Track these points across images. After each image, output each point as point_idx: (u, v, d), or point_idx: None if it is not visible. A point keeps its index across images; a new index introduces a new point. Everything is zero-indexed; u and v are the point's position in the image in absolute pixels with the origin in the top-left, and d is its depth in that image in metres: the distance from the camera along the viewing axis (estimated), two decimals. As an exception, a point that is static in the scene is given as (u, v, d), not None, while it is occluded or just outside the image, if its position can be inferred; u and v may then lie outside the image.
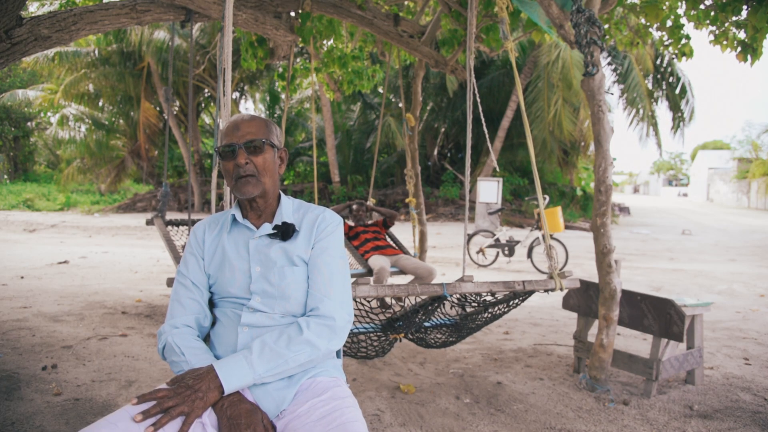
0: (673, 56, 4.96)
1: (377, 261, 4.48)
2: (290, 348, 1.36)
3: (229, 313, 1.48)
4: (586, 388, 3.05)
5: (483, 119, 3.45)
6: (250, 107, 24.97)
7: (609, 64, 16.40)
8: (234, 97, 20.56)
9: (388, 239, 5.13)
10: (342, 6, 4.39)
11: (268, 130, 1.53)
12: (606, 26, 5.00)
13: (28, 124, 25.20)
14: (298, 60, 8.73)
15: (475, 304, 2.95)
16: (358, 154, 19.93)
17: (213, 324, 1.55)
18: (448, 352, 3.75)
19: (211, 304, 1.57)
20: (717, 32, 4.40)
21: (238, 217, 1.55)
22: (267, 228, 1.53)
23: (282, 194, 1.61)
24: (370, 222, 5.14)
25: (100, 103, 19.24)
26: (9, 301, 4.88)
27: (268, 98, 21.79)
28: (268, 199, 1.55)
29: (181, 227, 4.29)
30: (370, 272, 4.54)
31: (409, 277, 5.02)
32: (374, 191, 18.13)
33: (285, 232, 1.50)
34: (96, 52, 16.98)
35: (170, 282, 4.23)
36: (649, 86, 16.91)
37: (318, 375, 1.44)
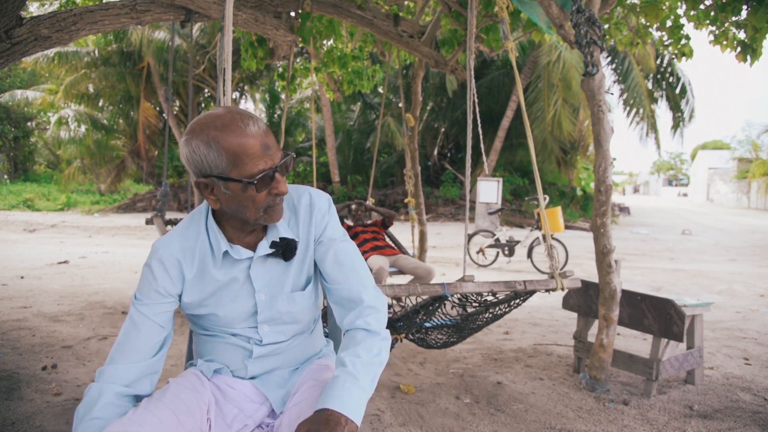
0: (673, 56, 4.96)
1: (375, 261, 4.48)
2: (376, 354, 1.26)
3: (232, 339, 1.36)
4: (586, 388, 3.05)
5: (479, 121, 3.45)
6: (250, 107, 24.96)
7: (609, 63, 16.40)
8: (234, 97, 20.56)
9: (387, 239, 5.14)
10: (342, 6, 4.39)
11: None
12: (606, 26, 5.00)
13: (28, 124, 25.20)
14: (298, 60, 8.73)
15: (476, 304, 2.96)
16: (358, 154, 19.92)
17: (194, 333, 1.45)
18: (448, 352, 3.75)
19: (200, 327, 1.41)
20: (717, 32, 4.40)
21: (230, 251, 1.29)
22: (264, 247, 1.31)
23: None
24: (368, 222, 5.14)
25: (100, 104, 19.23)
26: (9, 301, 4.88)
27: (268, 98, 21.80)
28: None
29: (180, 227, 4.30)
30: None
31: (408, 278, 5.02)
32: (374, 191, 18.12)
33: (286, 251, 1.31)
34: (96, 52, 16.98)
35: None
36: (649, 86, 16.90)
37: (320, 357, 1.48)
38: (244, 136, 1.17)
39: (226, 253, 1.30)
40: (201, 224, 1.33)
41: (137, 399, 1.25)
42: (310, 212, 1.37)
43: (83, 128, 18.70)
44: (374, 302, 1.32)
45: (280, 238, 1.32)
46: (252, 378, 1.40)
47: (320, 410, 1.12)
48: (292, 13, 4.47)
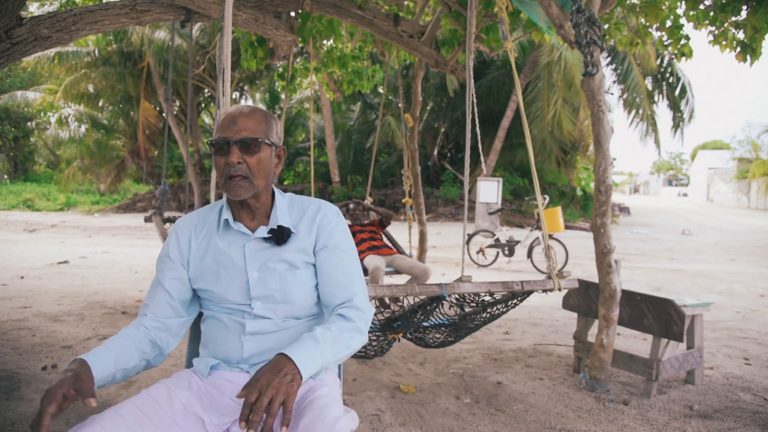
0: (673, 56, 4.97)
1: (372, 261, 4.48)
2: (345, 334, 1.36)
3: (227, 320, 1.43)
4: (586, 388, 3.05)
5: (478, 122, 3.45)
6: (250, 107, 24.92)
7: (609, 63, 16.39)
8: (234, 97, 20.56)
9: (384, 239, 5.14)
10: (342, 6, 4.39)
11: (267, 126, 1.42)
12: (606, 26, 5.00)
13: (28, 124, 25.20)
14: (298, 60, 8.73)
15: (474, 305, 2.96)
16: (358, 154, 19.93)
17: (202, 319, 1.51)
18: (448, 352, 3.75)
19: (205, 306, 1.50)
20: (716, 32, 4.40)
21: (231, 221, 1.45)
22: (262, 231, 1.44)
23: (275, 191, 1.52)
24: (366, 222, 5.15)
25: (100, 103, 19.22)
26: (9, 301, 4.88)
27: (268, 98, 21.80)
28: (261, 198, 1.47)
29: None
30: (365, 272, 4.55)
31: (405, 277, 5.02)
32: (374, 191, 18.12)
33: (279, 236, 1.42)
34: (96, 52, 16.98)
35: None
36: (649, 86, 16.90)
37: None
38: (226, 112, 1.42)
39: (227, 222, 1.45)
40: (219, 204, 1.51)
41: (154, 346, 1.41)
42: (316, 215, 1.49)
43: (83, 128, 18.71)
44: (361, 305, 1.43)
45: (278, 226, 1.44)
46: (249, 367, 1.42)
47: (276, 356, 1.23)
48: (292, 13, 4.47)
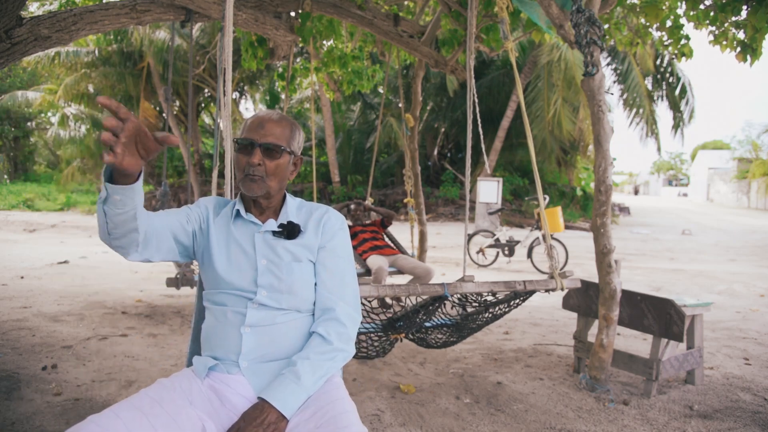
0: (673, 56, 4.97)
1: (375, 261, 4.48)
2: (326, 356, 1.42)
3: (228, 311, 1.45)
4: (586, 388, 3.05)
5: (480, 121, 3.46)
6: (250, 107, 24.96)
7: (609, 63, 16.39)
8: (234, 97, 20.54)
9: (386, 239, 5.14)
10: (342, 6, 4.39)
11: (291, 136, 1.53)
12: (606, 26, 5.00)
13: (28, 124, 25.18)
14: (298, 60, 8.73)
15: (476, 304, 2.96)
16: (358, 154, 19.92)
17: (206, 318, 1.53)
18: (448, 352, 3.75)
19: (207, 298, 1.54)
20: (717, 32, 4.40)
21: (242, 211, 1.54)
22: (272, 224, 1.53)
23: (287, 195, 1.62)
24: (368, 222, 5.15)
25: (100, 104, 19.17)
26: (9, 301, 4.88)
27: (268, 98, 21.79)
28: (272, 200, 1.56)
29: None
30: (368, 272, 4.55)
31: (407, 277, 5.03)
32: (375, 191, 18.12)
33: (290, 231, 1.52)
34: (96, 52, 16.97)
35: (169, 282, 4.23)
36: (649, 86, 16.89)
37: None
38: (254, 116, 1.53)
39: (238, 212, 1.55)
40: (234, 200, 1.61)
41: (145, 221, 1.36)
42: (322, 217, 1.58)
43: (83, 128, 18.70)
44: (343, 317, 1.48)
45: (288, 222, 1.53)
46: (248, 364, 1.42)
47: (258, 401, 1.32)
48: (292, 13, 4.47)
